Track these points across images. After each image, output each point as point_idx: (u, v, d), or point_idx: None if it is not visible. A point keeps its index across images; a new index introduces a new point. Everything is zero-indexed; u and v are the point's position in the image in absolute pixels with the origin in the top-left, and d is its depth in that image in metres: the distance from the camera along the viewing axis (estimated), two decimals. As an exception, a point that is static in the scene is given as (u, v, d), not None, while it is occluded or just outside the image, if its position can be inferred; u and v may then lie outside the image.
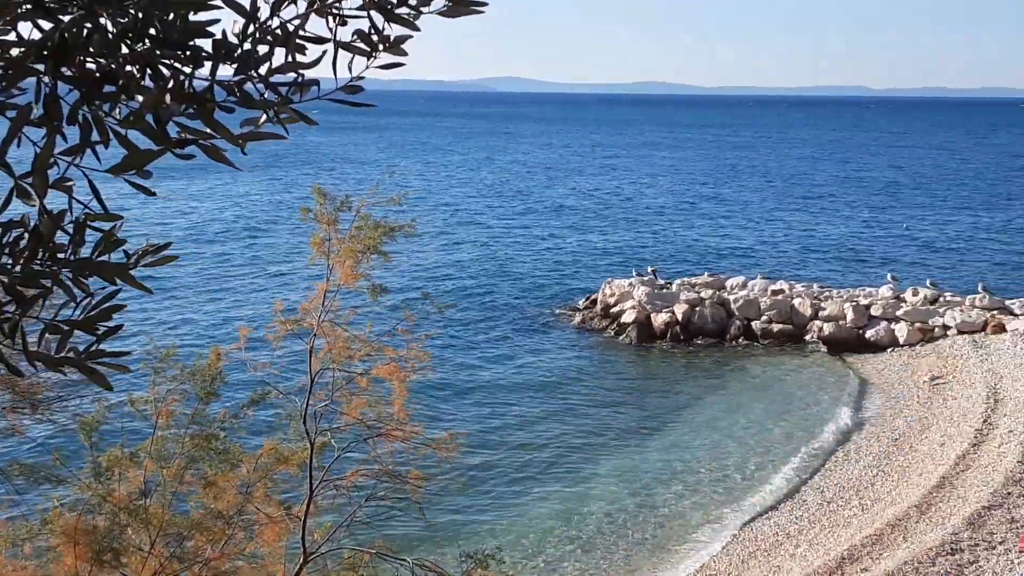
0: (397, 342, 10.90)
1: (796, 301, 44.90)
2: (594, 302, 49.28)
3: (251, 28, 2.85)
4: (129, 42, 2.77)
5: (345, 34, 2.93)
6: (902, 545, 23.31)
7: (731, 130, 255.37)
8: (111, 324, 2.97)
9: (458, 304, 49.25)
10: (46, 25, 2.76)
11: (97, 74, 2.83)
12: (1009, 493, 25.18)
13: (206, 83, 2.81)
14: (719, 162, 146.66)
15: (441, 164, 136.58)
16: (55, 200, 2.87)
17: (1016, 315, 42.41)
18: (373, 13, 2.87)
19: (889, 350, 42.11)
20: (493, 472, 30.49)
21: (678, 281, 48.88)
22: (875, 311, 43.79)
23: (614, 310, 47.43)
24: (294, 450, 10.35)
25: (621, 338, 45.12)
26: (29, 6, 2.73)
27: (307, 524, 10.19)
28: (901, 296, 45.10)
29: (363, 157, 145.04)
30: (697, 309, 45.18)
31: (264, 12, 2.85)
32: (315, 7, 2.87)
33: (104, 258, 2.94)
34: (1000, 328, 41.17)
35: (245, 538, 10.36)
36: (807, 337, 43.79)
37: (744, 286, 47.35)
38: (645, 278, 48.33)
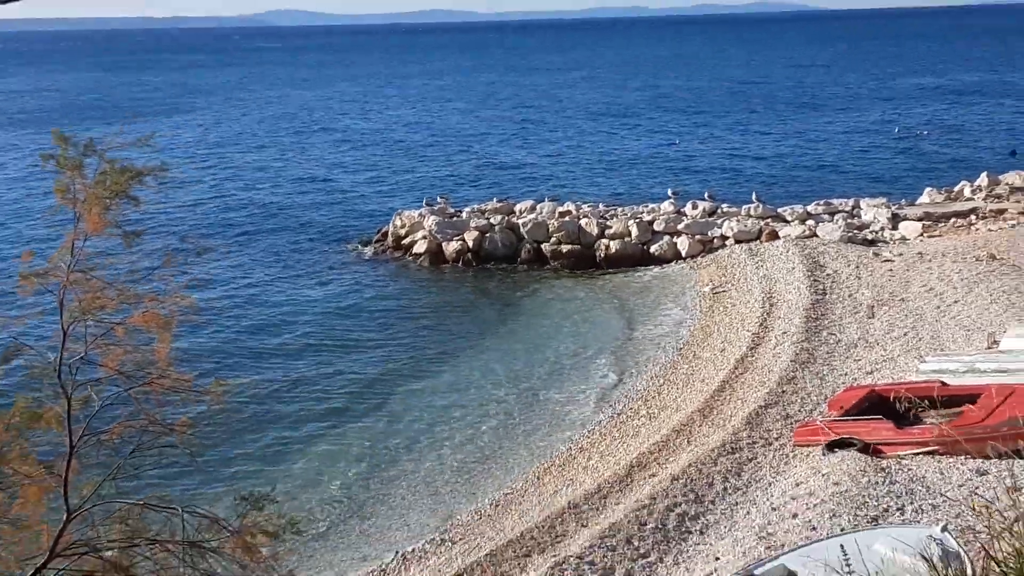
0: (160, 288, 10.60)
1: (583, 221, 45.80)
2: (385, 235, 49.10)
3: None
4: None
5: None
6: (686, 449, 24.37)
7: (518, 54, 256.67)
8: None
9: (232, 245, 48.21)
10: None
11: None
12: (783, 391, 26.58)
13: None
14: (506, 88, 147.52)
15: (227, 103, 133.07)
16: None
17: (787, 222, 44.49)
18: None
19: (673, 263, 43.58)
20: (284, 414, 30.23)
21: (468, 208, 49.11)
22: (658, 226, 45.14)
23: (405, 241, 47.42)
24: (50, 407, 10.00)
25: (413, 265, 45.24)
26: None
27: (71, 481, 9.90)
28: (681, 210, 46.62)
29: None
30: (487, 235, 45.58)
31: None
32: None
33: None
34: (773, 235, 43.14)
35: (6, 500, 9.99)
36: (596, 256, 44.73)
37: (532, 210, 47.97)
38: (435, 207, 48.40)
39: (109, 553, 9.96)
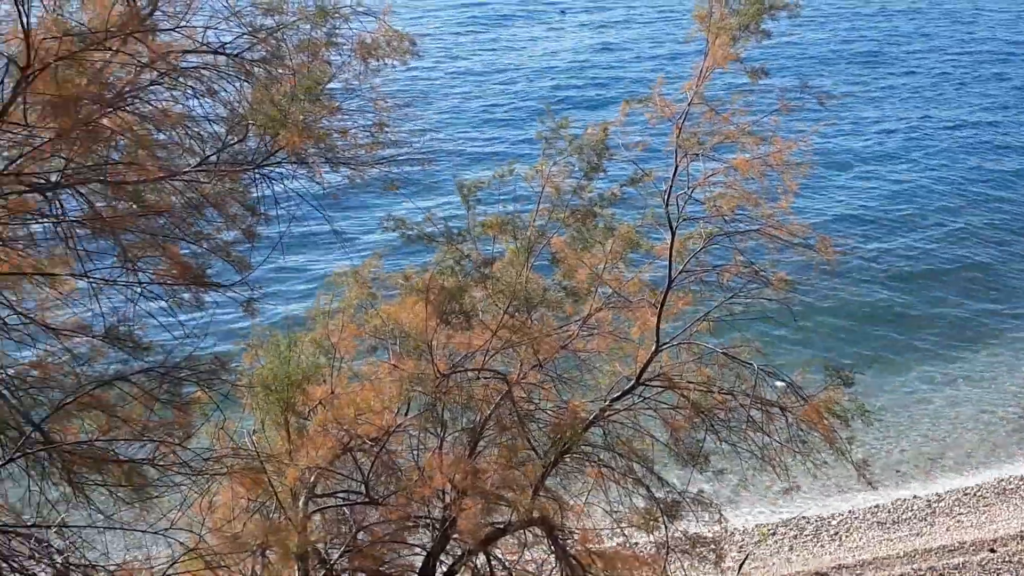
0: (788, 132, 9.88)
1: None
2: None
3: None
4: None
5: None
6: None
7: None
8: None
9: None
10: None
11: None
12: None
13: None
14: None
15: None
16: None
17: None
18: None
19: None
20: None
21: None
22: None
23: None
24: (650, 243, 10.06)
25: None
26: None
27: (663, 315, 9.92)
28: None
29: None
30: None
31: None
32: None
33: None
34: None
35: (611, 318, 10.36)
36: None
37: None
38: None
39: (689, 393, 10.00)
